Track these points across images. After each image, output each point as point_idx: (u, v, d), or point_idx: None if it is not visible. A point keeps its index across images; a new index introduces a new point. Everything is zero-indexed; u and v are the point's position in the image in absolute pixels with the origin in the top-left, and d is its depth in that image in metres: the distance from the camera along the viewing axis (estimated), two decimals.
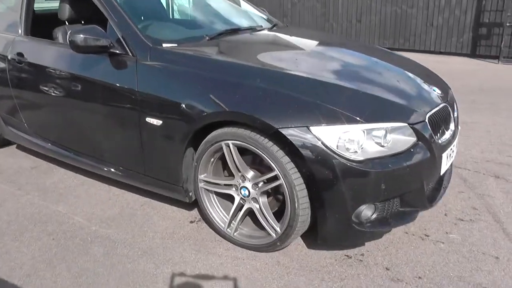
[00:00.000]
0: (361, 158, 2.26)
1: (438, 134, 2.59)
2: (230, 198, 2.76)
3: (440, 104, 2.72)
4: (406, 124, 2.39)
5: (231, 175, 2.69)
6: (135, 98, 2.72)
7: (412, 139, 2.40)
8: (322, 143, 2.23)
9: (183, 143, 2.62)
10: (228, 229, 2.70)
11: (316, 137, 2.23)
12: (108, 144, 3.04)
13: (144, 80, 2.71)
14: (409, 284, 2.39)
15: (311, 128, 2.24)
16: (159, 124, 2.66)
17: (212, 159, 2.64)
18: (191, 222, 2.97)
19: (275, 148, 2.32)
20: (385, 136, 2.32)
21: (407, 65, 3.24)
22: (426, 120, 2.49)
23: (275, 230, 2.50)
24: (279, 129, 2.26)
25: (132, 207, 3.17)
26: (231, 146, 2.47)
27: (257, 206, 2.57)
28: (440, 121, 2.65)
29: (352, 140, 2.26)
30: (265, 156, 2.35)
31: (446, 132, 2.71)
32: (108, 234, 2.84)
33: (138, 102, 2.72)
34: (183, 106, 2.53)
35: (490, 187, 3.47)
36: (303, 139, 2.24)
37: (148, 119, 2.70)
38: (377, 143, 2.32)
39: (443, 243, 2.76)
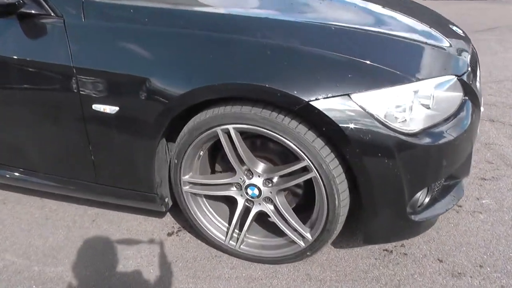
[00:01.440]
0: (416, 129, 1.67)
1: (476, 84, 2.06)
2: (228, 201, 2.07)
3: (470, 47, 2.19)
4: (454, 77, 1.81)
5: (227, 170, 1.98)
6: (71, 77, 1.84)
7: (459, 94, 1.83)
8: (369, 114, 1.59)
9: (156, 136, 1.84)
10: (230, 241, 2.00)
11: (361, 107, 1.59)
12: (36, 147, 2.13)
13: (81, 50, 1.84)
14: (473, 277, 1.90)
15: (353, 96, 1.59)
16: (114, 112, 1.84)
17: (200, 153, 1.90)
18: (169, 234, 2.22)
19: (302, 130, 1.64)
20: (432, 95, 1.73)
21: (415, 5, 2.66)
22: (469, 69, 1.94)
23: (302, 237, 1.86)
24: (310, 102, 1.57)
25: (81, 225, 2.33)
26: (232, 132, 1.73)
27: (271, 207, 1.90)
28: (473, 67, 2.12)
29: (400, 106, 1.65)
30: (287, 142, 1.67)
31: (477, 80, 2.19)
32: (60, 274, 2.01)
33: (76, 83, 1.85)
34: (152, 82, 1.73)
35: (491, 133, 3.10)
36: (344, 112, 1.58)
37: (96, 107, 1.86)
38: (423, 105, 1.73)
39: (480, 213, 2.31)
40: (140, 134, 1.86)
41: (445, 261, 1.99)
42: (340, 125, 1.58)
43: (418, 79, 1.68)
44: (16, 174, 2.25)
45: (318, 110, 1.57)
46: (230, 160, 1.81)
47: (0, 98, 2.02)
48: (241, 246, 1.99)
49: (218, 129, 1.74)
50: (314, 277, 1.92)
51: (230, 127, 1.72)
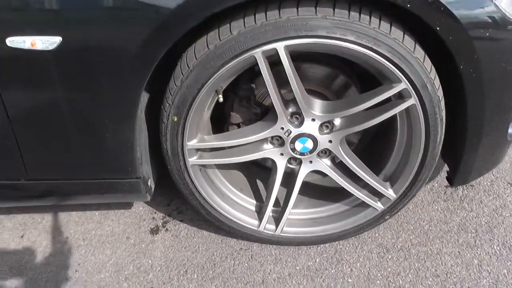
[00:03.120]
0: None
1: None
2: (243, 166, 1.41)
3: None
4: None
5: (250, 120, 1.29)
6: None
7: None
8: (494, 3, 1.03)
9: (139, 83, 1.06)
10: (267, 225, 1.34)
11: None
12: None
13: None
14: None
15: None
16: (53, 47, 1.00)
17: (219, 98, 1.16)
18: (154, 231, 1.48)
19: (398, 35, 1.03)
20: None
21: None
22: None
23: (379, 196, 1.29)
24: None
25: (5, 247, 1.45)
26: (283, 54, 1.03)
27: (328, 162, 1.27)
28: None
29: None
30: (376, 57, 1.04)
31: None
32: None
33: None
34: None
35: None
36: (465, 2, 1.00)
37: (14, 41, 1.00)
38: None
39: None
40: (108, 82, 1.06)
41: None
42: (459, 17, 0.99)
43: None
44: None
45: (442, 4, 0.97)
46: (273, 101, 1.12)
47: None
48: (285, 229, 1.34)
49: (258, 52, 1.03)
50: (391, 246, 1.38)
51: (279, 45, 1.02)
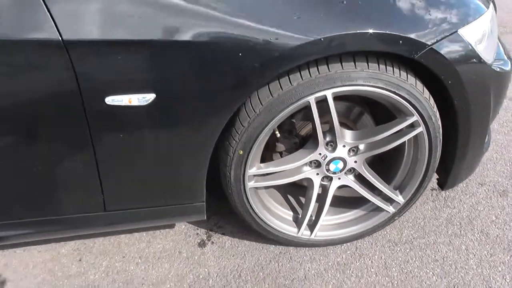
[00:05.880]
0: (491, 59, 1.55)
1: None
2: (282, 187, 1.71)
3: None
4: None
5: (291, 149, 1.58)
6: (62, 59, 1.15)
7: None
8: (473, 48, 1.40)
9: (221, 122, 1.32)
10: (304, 232, 1.64)
11: (468, 42, 1.39)
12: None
13: (72, 12, 1.15)
14: None
15: (460, 31, 1.37)
16: (147, 103, 1.23)
17: (276, 133, 1.47)
18: (201, 244, 1.72)
19: (413, 80, 1.37)
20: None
21: None
22: None
23: (391, 202, 1.63)
24: (433, 46, 1.30)
25: (66, 271, 1.62)
26: (330, 99, 1.34)
27: (352, 178, 1.60)
28: None
29: (483, 37, 1.50)
30: (397, 98, 1.38)
31: None
32: None
33: (71, 69, 1.17)
34: (214, 43, 1.20)
35: None
36: (456, 51, 1.37)
37: (113, 100, 1.22)
38: None
39: None
40: (194, 126, 1.31)
41: (485, 184, 2.00)
42: (456, 66, 1.36)
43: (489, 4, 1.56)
44: None
45: (439, 53, 1.31)
46: (318, 134, 1.42)
47: None
48: (318, 233, 1.65)
49: (311, 98, 1.32)
50: (398, 241, 1.73)
51: (328, 93, 1.32)
